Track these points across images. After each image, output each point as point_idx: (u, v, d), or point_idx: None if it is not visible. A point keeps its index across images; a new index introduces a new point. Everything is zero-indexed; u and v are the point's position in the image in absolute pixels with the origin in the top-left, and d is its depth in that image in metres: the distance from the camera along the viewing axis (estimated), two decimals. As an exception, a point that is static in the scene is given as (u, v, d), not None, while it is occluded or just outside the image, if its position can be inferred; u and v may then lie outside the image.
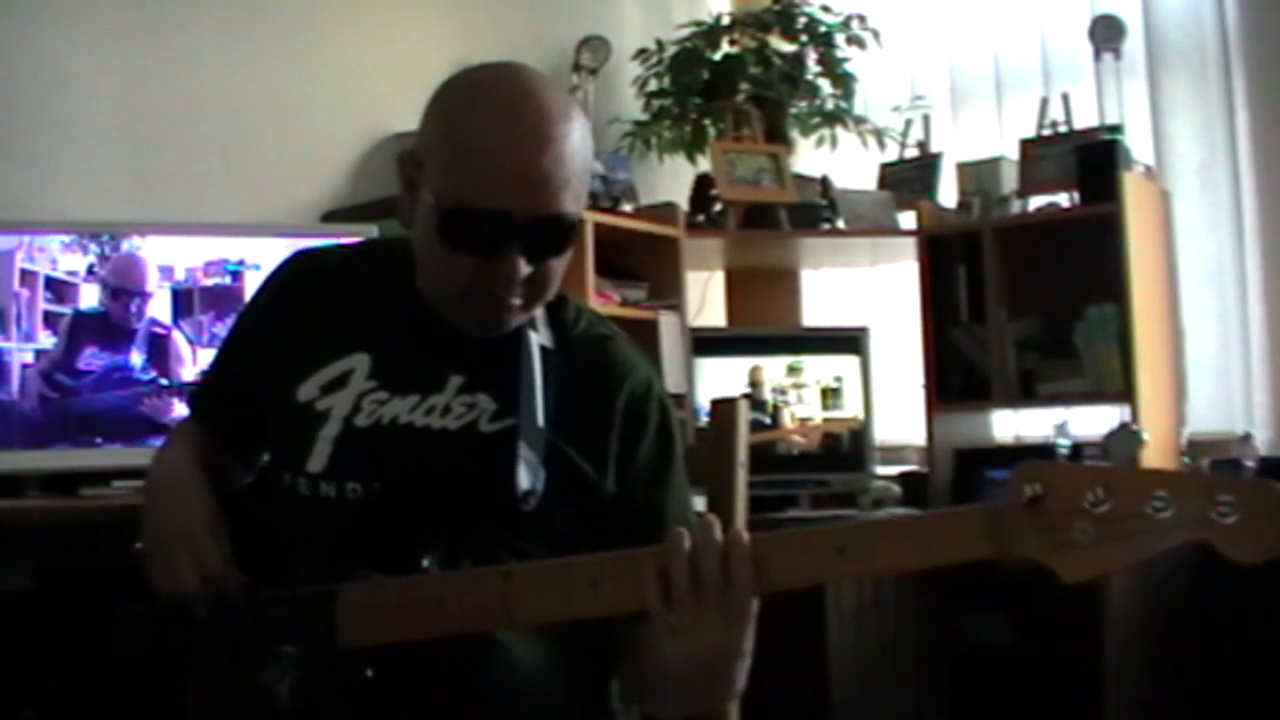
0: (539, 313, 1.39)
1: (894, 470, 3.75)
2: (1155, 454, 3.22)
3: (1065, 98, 3.66)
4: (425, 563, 1.23)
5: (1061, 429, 3.36)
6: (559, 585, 1.16)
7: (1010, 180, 3.68)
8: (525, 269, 1.28)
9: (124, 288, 2.54)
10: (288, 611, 1.26)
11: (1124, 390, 3.31)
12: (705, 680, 1.16)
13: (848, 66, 4.00)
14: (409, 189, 1.34)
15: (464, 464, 1.32)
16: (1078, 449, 3.12)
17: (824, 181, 3.91)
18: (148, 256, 2.56)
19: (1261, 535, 0.94)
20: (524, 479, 1.27)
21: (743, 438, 1.56)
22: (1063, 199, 3.57)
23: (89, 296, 2.51)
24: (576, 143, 1.28)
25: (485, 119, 1.26)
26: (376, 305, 1.42)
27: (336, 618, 1.21)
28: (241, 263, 2.62)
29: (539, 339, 1.37)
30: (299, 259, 1.51)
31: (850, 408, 3.67)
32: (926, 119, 3.98)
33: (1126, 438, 3.09)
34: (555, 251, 1.31)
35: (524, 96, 1.27)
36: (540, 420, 1.32)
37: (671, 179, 3.95)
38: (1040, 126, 3.68)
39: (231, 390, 1.50)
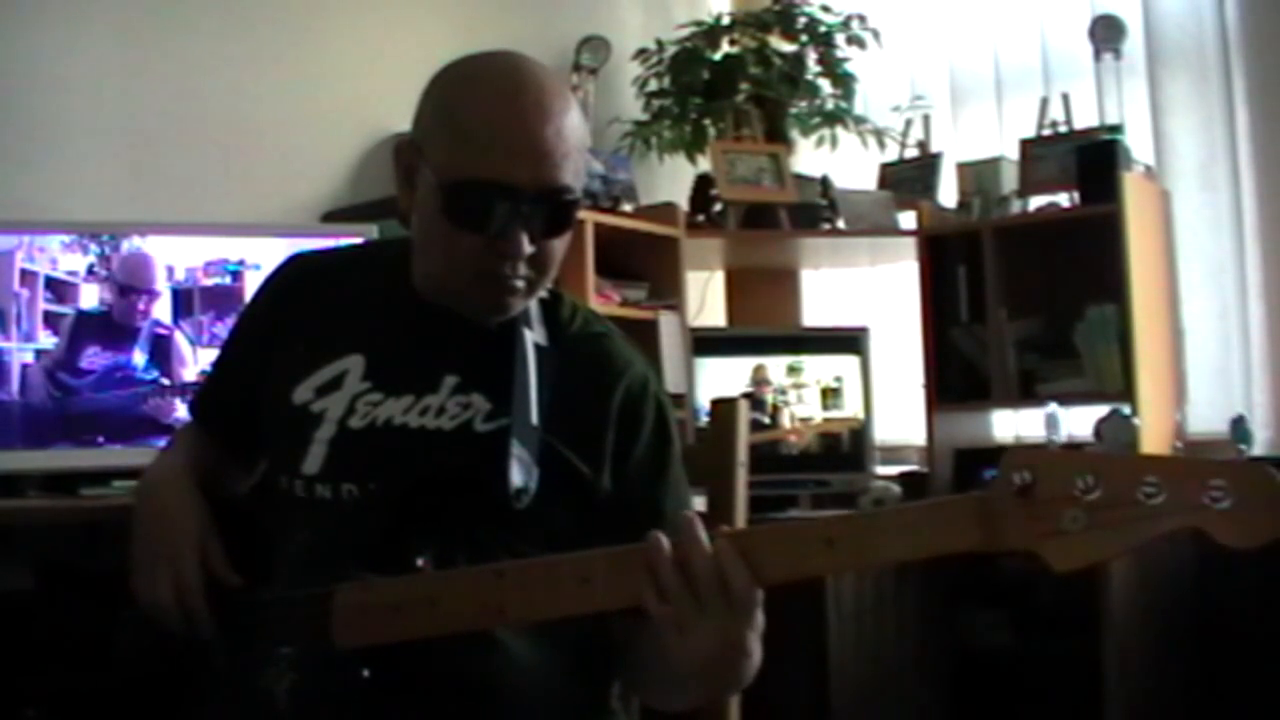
0: (534, 311, 1.39)
1: (894, 470, 3.75)
2: (1154, 453, 3.22)
3: (1065, 98, 3.66)
4: (420, 562, 1.23)
5: (1051, 419, 3.35)
6: (550, 582, 1.16)
7: (1010, 180, 3.68)
8: (528, 248, 1.28)
9: (132, 285, 2.54)
10: (284, 613, 1.26)
11: (1124, 390, 3.31)
12: (719, 671, 1.16)
13: (848, 66, 3.99)
14: (407, 178, 1.35)
15: (458, 463, 1.32)
16: (1074, 448, 3.12)
17: (824, 181, 3.91)
18: (155, 254, 2.56)
19: (1255, 520, 0.93)
20: (516, 476, 1.26)
21: (743, 438, 1.56)
22: (1063, 199, 3.57)
23: (89, 296, 2.51)
24: (575, 120, 1.30)
25: (486, 95, 1.28)
26: (371, 306, 1.42)
27: (332, 618, 1.21)
28: (241, 263, 2.62)
29: (534, 337, 1.37)
30: (294, 262, 1.52)
31: (850, 408, 3.67)
32: (926, 119, 3.98)
33: (1119, 425, 3.09)
34: (558, 228, 1.32)
35: (522, 74, 1.30)
36: (534, 418, 1.32)
37: (671, 179, 3.95)
38: (1040, 126, 3.68)
39: (230, 395, 1.50)
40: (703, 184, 3.83)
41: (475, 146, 1.26)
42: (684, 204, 3.76)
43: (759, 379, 3.63)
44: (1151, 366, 3.37)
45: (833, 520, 1.10)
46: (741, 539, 1.12)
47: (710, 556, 1.09)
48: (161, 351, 2.55)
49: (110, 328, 2.52)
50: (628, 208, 3.58)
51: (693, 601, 1.09)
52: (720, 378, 3.59)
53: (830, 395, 3.67)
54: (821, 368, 3.68)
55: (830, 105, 4.00)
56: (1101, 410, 3.32)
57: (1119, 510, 0.97)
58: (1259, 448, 3.33)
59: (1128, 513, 0.96)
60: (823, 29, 3.98)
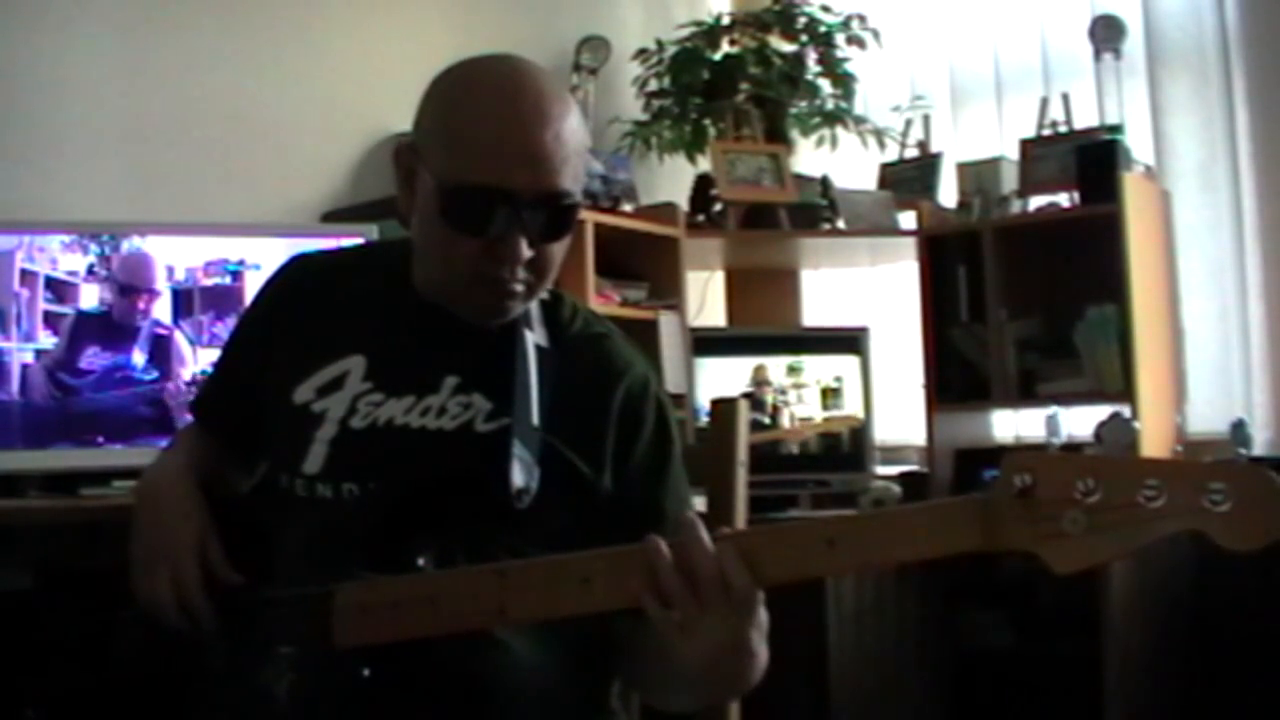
0: (535, 312, 1.40)
1: (894, 470, 3.75)
2: (1154, 454, 3.22)
3: (1065, 98, 3.66)
4: (420, 561, 1.24)
5: (1053, 421, 3.35)
6: (551, 583, 1.16)
7: (1010, 180, 3.68)
8: (527, 252, 1.29)
9: (133, 285, 2.54)
10: (284, 613, 1.26)
11: (1124, 390, 3.31)
12: (723, 670, 1.16)
13: (848, 66, 4.00)
14: (407, 181, 1.35)
15: (459, 463, 1.32)
16: (1074, 449, 3.11)
17: (824, 181, 3.91)
18: (155, 254, 2.56)
19: (1254, 522, 0.93)
20: (518, 476, 1.26)
21: (743, 438, 1.56)
22: (1063, 199, 3.57)
23: (89, 296, 2.51)
24: (574, 124, 1.30)
25: (485, 99, 1.28)
26: (373, 307, 1.42)
27: (333, 618, 1.21)
28: (241, 263, 2.62)
29: (534, 338, 1.37)
30: (296, 263, 1.52)
31: (850, 408, 3.67)
32: (926, 119, 3.98)
33: (1119, 427, 3.09)
34: (557, 233, 1.32)
35: (521, 78, 1.30)
36: (535, 419, 1.32)
37: (671, 179, 3.95)
38: (1040, 126, 3.68)
39: (232, 395, 1.51)
40: (703, 184, 3.83)
41: (474, 151, 1.27)
42: (684, 204, 3.76)
43: (759, 379, 3.63)
44: (1151, 367, 3.37)
45: (833, 521, 1.10)
46: (742, 540, 1.12)
47: (712, 557, 1.09)
48: (161, 351, 2.55)
49: (110, 328, 2.52)
50: (628, 208, 3.58)
51: (694, 602, 1.09)
52: (720, 378, 3.59)
53: (830, 395, 3.67)
54: (821, 368, 3.68)
55: (830, 105, 4.00)
56: (1101, 410, 3.31)
57: (1119, 513, 0.97)
58: (1259, 448, 3.33)
59: (1128, 515, 0.97)
60: (823, 29, 3.98)
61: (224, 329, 2.54)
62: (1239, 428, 3.30)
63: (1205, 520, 0.94)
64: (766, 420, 3.60)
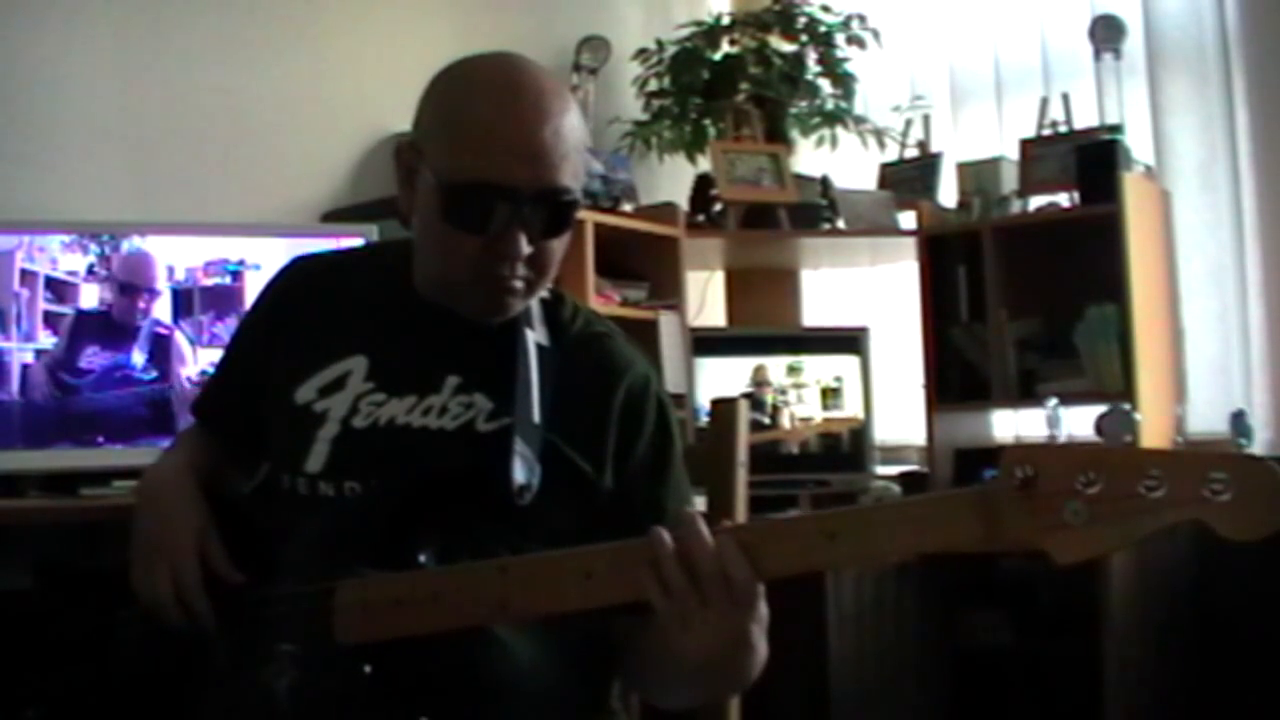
0: (536, 311, 1.40)
1: (894, 470, 3.75)
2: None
3: (1065, 98, 3.66)
4: (422, 559, 1.24)
5: (1053, 415, 3.34)
6: (553, 577, 1.16)
7: (1010, 180, 3.68)
8: (527, 248, 1.29)
9: (133, 283, 2.54)
10: (286, 610, 1.26)
11: (1124, 390, 3.31)
12: (723, 665, 1.16)
13: (848, 66, 3.99)
14: (407, 179, 1.36)
15: (461, 462, 1.32)
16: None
17: (824, 181, 3.90)
18: (155, 254, 2.56)
19: (1256, 513, 0.93)
20: (519, 473, 1.27)
21: (743, 438, 1.56)
22: (1063, 199, 3.57)
23: (89, 296, 2.51)
24: (574, 120, 1.31)
25: (484, 96, 1.29)
26: (374, 307, 1.43)
27: (334, 615, 1.21)
28: (241, 263, 2.62)
29: (535, 337, 1.38)
30: (296, 264, 1.53)
31: (850, 408, 3.67)
32: (926, 119, 3.98)
33: (1119, 419, 3.09)
34: (557, 229, 1.32)
35: (521, 75, 1.30)
36: (536, 417, 1.32)
37: (671, 179, 3.95)
38: (1040, 126, 3.68)
39: (233, 395, 1.51)
40: (703, 184, 3.83)
41: (474, 148, 1.27)
42: (684, 204, 3.76)
43: (759, 379, 3.63)
44: (1151, 366, 3.37)
45: (834, 514, 1.10)
46: (743, 532, 1.12)
47: (712, 550, 1.09)
48: (161, 351, 2.56)
49: (110, 327, 2.52)
50: (628, 208, 3.58)
51: (695, 594, 1.09)
52: (720, 378, 3.59)
53: (830, 395, 3.67)
54: (821, 368, 3.68)
55: (830, 105, 4.00)
56: (1101, 410, 3.31)
57: (1121, 503, 0.97)
58: (1259, 448, 3.33)
59: (1129, 505, 0.96)
60: (823, 29, 3.98)
61: (224, 329, 2.55)
62: (1239, 418, 3.30)
63: (1206, 510, 0.94)
64: (766, 420, 3.60)
